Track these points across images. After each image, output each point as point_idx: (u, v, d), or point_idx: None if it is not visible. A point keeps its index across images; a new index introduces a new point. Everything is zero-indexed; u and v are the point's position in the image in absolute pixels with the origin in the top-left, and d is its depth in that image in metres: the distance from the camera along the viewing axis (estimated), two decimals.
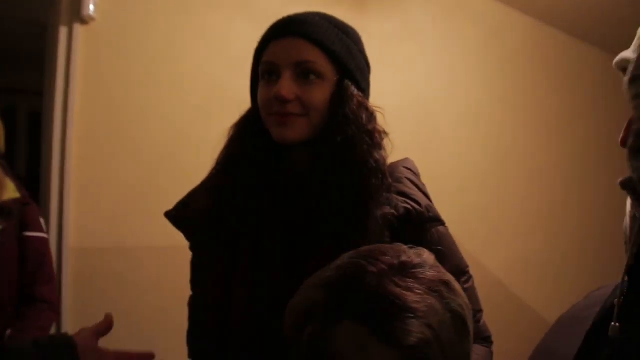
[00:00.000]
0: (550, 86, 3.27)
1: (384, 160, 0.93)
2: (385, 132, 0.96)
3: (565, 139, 3.31)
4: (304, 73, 0.87)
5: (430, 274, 0.61)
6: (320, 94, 0.88)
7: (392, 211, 0.88)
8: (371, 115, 0.93)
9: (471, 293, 0.93)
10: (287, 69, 0.87)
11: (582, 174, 3.33)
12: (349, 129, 0.87)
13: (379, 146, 0.92)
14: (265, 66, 0.90)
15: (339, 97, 0.89)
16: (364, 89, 0.95)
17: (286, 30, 0.89)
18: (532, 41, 3.21)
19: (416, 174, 1.02)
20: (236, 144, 0.96)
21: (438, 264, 0.65)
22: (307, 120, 0.88)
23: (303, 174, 0.90)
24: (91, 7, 1.85)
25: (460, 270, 0.94)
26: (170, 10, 2.09)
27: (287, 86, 0.85)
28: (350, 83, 0.90)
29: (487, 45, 3.08)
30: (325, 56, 0.88)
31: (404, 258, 0.62)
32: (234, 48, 2.17)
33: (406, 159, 1.05)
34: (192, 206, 0.98)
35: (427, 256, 0.65)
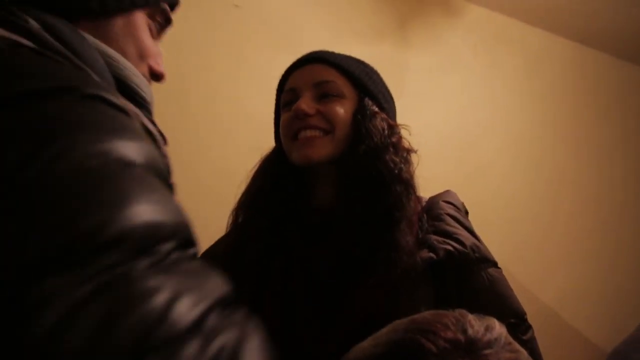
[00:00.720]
0: (599, 110, 3.21)
1: (411, 174, 0.90)
2: (412, 149, 0.94)
3: (617, 163, 3.22)
4: (324, 94, 0.88)
5: (505, 356, 0.49)
6: (341, 109, 0.88)
7: (431, 255, 0.79)
8: (394, 129, 0.94)
9: (532, 346, 0.82)
10: (306, 90, 0.89)
11: (635, 200, 3.22)
12: (371, 141, 0.86)
13: (404, 159, 0.90)
14: (286, 95, 0.93)
15: (361, 113, 0.89)
16: (387, 110, 0.96)
17: (306, 59, 0.95)
18: (575, 65, 3.18)
19: (459, 208, 0.95)
20: (259, 182, 0.93)
21: (511, 340, 0.53)
22: (330, 138, 0.86)
23: (329, 207, 0.86)
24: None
25: (518, 319, 0.82)
26: (217, 50, 2.21)
27: (306, 101, 0.86)
28: (371, 101, 0.91)
29: (530, 71, 3.08)
30: (344, 77, 0.91)
31: (470, 332, 0.50)
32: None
33: (447, 192, 1.00)
34: (217, 252, 0.93)
35: (499, 330, 0.52)
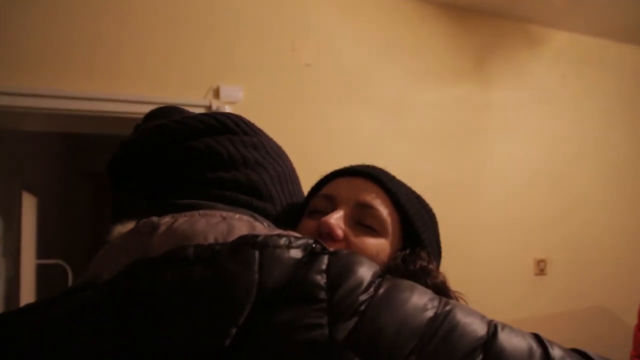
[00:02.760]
0: None
1: None
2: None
3: None
4: (362, 221, 0.68)
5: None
6: (375, 250, 0.67)
7: None
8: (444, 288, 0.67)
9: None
10: (345, 206, 0.68)
11: None
12: None
13: None
14: (319, 200, 0.71)
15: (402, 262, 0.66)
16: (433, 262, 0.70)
17: (360, 172, 0.73)
18: None
19: None
20: None
21: None
22: None
23: None
24: (240, 94, 2.02)
25: None
26: (290, 109, 2.21)
27: (339, 220, 0.66)
28: (414, 251, 0.68)
29: (626, 93, 2.82)
30: (395, 211, 0.70)
31: None
32: (361, 139, 2.22)
33: None
34: None
35: None
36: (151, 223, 0.52)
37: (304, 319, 0.42)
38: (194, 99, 1.96)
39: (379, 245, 0.67)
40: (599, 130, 2.78)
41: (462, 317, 0.46)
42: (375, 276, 0.48)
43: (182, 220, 0.51)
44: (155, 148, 0.62)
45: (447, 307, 0.47)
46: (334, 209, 0.69)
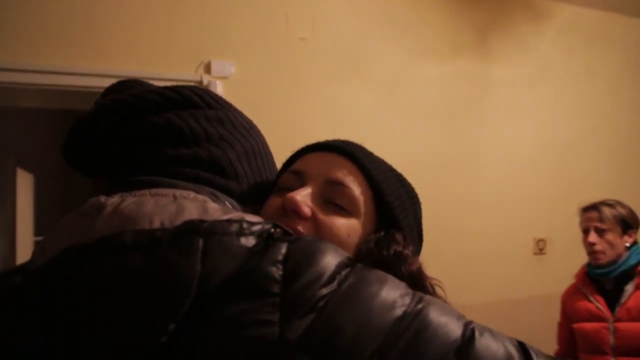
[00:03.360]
0: None
1: None
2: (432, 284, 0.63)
3: None
4: (332, 200, 0.62)
5: None
6: (345, 231, 0.61)
7: None
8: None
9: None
10: (313, 182, 0.63)
11: None
12: None
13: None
14: (288, 177, 0.66)
15: (370, 245, 0.61)
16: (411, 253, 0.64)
17: (329, 147, 0.67)
18: None
19: None
20: None
21: None
22: None
23: None
24: (232, 69, 1.98)
25: None
26: (283, 84, 2.15)
27: (305, 196, 0.61)
28: (389, 234, 0.62)
29: (636, 70, 2.73)
30: (369, 190, 0.64)
31: None
32: (358, 115, 2.16)
33: None
34: None
35: None
36: (97, 203, 0.48)
37: (253, 314, 0.37)
38: (184, 74, 1.91)
39: (350, 225, 0.62)
40: (604, 108, 2.71)
41: (435, 317, 0.42)
42: (341, 267, 0.43)
43: (130, 201, 0.47)
44: (111, 124, 0.57)
45: (420, 305, 0.42)
46: (302, 185, 0.63)
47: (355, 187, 0.63)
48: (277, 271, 0.40)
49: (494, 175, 2.45)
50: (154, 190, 0.49)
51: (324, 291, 0.40)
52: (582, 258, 2.59)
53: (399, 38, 2.29)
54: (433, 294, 0.59)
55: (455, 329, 0.41)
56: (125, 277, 0.39)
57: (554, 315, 1.95)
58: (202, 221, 0.42)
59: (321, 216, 0.61)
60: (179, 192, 0.50)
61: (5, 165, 2.52)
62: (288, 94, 2.09)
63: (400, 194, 0.68)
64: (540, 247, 2.52)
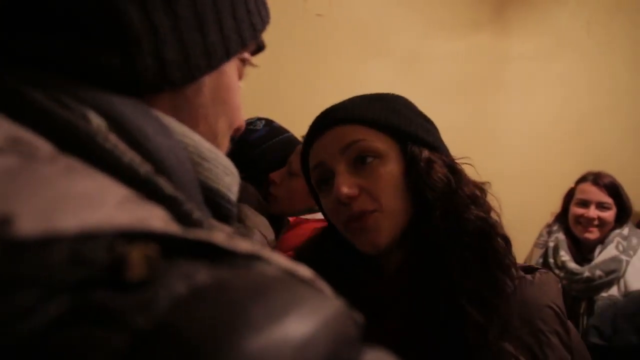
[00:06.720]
0: None
1: (498, 223, 0.77)
2: (483, 184, 0.77)
3: None
4: (359, 158, 0.69)
5: None
6: (386, 174, 0.69)
7: None
8: (460, 175, 0.75)
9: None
10: (337, 162, 0.70)
11: None
12: (443, 201, 0.69)
13: (484, 209, 0.74)
14: (315, 173, 0.74)
15: (413, 169, 0.70)
16: (437, 147, 0.76)
17: (322, 126, 0.74)
18: None
19: (564, 318, 0.71)
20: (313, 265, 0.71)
21: None
22: (383, 215, 0.68)
23: (398, 277, 0.72)
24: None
25: None
26: (299, 61, 2.18)
27: (344, 179, 0.68)
28: (415, 145, 0.71)
29: None
30: (373, 129, 0.71)
31: None
32: (376, 91, 2.19)
33: (549, 283, 0.75)
34: None
35: None
36: None
37: None
38: None
39: (386, 165, 0.69)
40: (625, 82, 2.66)
41: None
42: None
43: None
44: None
45: None
46: (333, 172, 0.70)
47: (361, 135, 0.70)
48: None
49: (512, 148, 2.45)
50: None
51: None
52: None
53: (417, 13, 2.29)
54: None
55: None
56: None
57: None
58: None
59: (363, 182, 0.68)
60: None
61: None
62: (305, 71, 2.12)
63: (391, 107, 0.74)
64: None
